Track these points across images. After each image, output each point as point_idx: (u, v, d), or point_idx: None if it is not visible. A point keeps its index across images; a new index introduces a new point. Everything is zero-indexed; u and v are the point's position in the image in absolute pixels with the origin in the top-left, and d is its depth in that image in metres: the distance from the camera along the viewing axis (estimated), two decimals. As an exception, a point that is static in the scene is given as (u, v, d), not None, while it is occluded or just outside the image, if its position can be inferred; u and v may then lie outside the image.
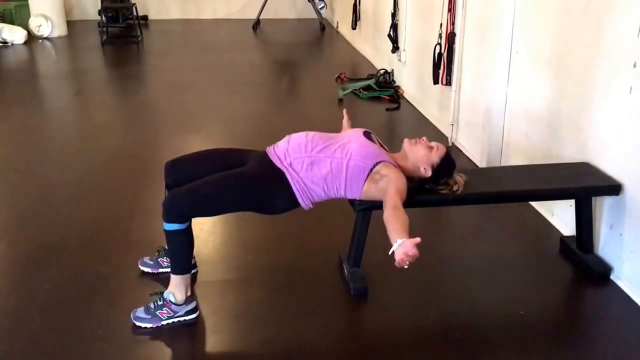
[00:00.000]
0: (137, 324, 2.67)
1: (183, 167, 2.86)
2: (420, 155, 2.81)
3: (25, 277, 3.05)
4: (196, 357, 2.61)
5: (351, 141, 2.77)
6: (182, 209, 2.60)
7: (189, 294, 2.71)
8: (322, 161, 2.70)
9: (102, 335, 2.62)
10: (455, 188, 2.85)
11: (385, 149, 2.90)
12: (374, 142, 2.83)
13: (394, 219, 2.39)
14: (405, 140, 2.88)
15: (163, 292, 2.69)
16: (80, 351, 2.54)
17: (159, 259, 3.05)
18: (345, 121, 3.16)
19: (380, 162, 2.69)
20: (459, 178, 2.88)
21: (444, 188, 2.86)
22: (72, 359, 2.50)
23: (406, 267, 2.19)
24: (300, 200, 2.72)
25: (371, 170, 2.67)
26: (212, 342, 2.68)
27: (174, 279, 2.68)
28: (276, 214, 2.83)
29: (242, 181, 2.70)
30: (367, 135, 2.85)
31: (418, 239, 2.20)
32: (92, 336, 2.61)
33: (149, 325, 2.66)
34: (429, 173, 2.81)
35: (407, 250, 2.17)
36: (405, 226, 2.34)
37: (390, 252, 2.24)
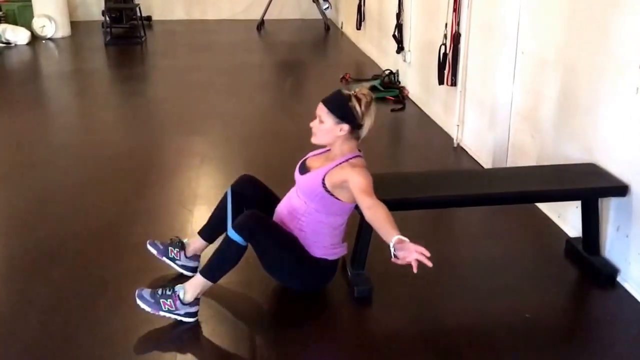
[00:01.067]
0: (138, 302, 2.65)
1: (256, 191, 2.97)
2: (323, 133, 2.67)
3: (24, 281, 3.03)
4: (198, 361, 2.59)
5: (297, 188, 2.79)
6: (252, 234, 2.63)
7: (198, 297, 2.69)
8: (301, 225, 2.74)
9: (100, 339, 2.60)
10: (365, 100, 2.63)
11: (325, 151, 2.82)
12: (306, 171, 2.77)
13: (375, 222, 2.40)
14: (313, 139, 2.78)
15: (176, 286, 2.67)
16: (78, 357, 2.51)
17: (169, 247, 3.01)
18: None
19: (322, 180, 2.65)
20: (354, 93, 2.66)
21: (360, 109, 2.61)
22: (72, 362, 2.48)
23: (426, 260, 2.17)
24: (333, 256, 2.78)
25: (327, 190, 2.65)
26: (213, 346, 2.64)
27: (197, 279, 2.66)
28: (328, 282, 2.90)
29: (303, 260, 2.77)
30: (301, 168, 2.82)
31: (404, 238, 2.22)
32: (91, 339, 2.59)
33: (147, 309, 2.64)
34: (345, 126, 2.63)
35: (407, 252, 2.18)
36: (389, 222, 2.33)
37: (393, 259, 2.23)
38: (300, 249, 2.75)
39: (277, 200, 2.97)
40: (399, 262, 2.20)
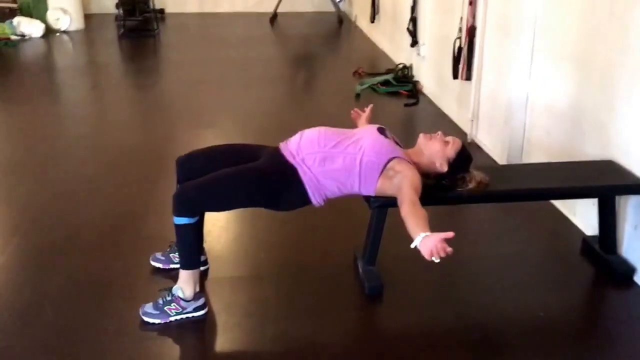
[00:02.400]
0: (146, 319, 2.64)
1: (194, 162, 2.81)
2: (436, 150, 2.75)
3: (37, 272, 3.03)
4: (207, 355, 2.57)
5: (364, 137, 2.72)
6: (192, 203, 2.58)
7: (197, 289, 2.68)
8: (335, 157, 2.65)
9: (113, 331, 2.60)
10: (471, 185, 2.78)
11: (399, 145, 2.84)
12: (388, 138, 2.78)
13: (413, 215, 2.35)
14: (421, 135, 2.84)
15: (172, 288, 2.66)
16: (91, 347, 2.51)
17: (170, 255, 3.01)
18: (365, 116, 3.09)
19: (394, 158, 2.64)
20: (476, 174, 2.81)
21: (460, 184, 2.79)
22: (82, 354, 2.47)
23: (437, 261, 2.17)
24: (312, 197, 2.67)
25: (385, 166, 2.62)
26: (224, 340, 2.64)
27: (183, 274, 2.65)
28: (286, 211, 2.79)
29: (254, 177, 2.65)
30: (380, 131, 2.80)
31: (451, 234, 2.17)
32: (103, 332, 2.59)
33: (157, 321, 2.63)
34: (445, 168, 2.75)
35: (436, 243, 2.16)
36: (426, 220, 2.32)
37: (413, 246, 2.22)
38: (246, 174, 2.64)
39: (226, 149, 2.90)
40: (426, 253, 2.19)
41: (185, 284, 2.64)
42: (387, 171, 2.62)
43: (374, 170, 2.63)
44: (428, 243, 2.17)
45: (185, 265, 2.65)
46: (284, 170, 2.66)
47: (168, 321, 2.64)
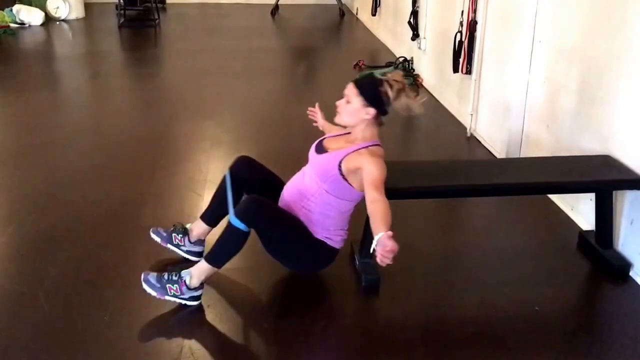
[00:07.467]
0: (144, 286, 2.65)
1: (254, 172, 2.93)
2: (349, 114, 2.66)
3: (33, 261, 3.03)
4: (202, 346, 2.56)
5: (310, 166, 2.76)
6: (257, 219, 2.61)
7: (202, 281, 2.69)
8: (312, 205, 2.70)
9: (107, 321, 2.60)
10: (395, 88, 2.59)
11: (345, 133, 2.79)
12: (325, 148, 2.76)
13: (371, 216, 2.36)
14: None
15: (182, 270, 2.67)
16: (85, 337, 2.51)
17: (172, 234, 3.01)
18: (321, 116, 3.11)
19: (339, 162, 2.62)
20: (390, 78, 2.62)
21: (390, 97, 2.59)
22: (77, 345, 2.47)
23: (390, 262, 2.15)
24: (335, 242, 2.76)
25: (342, 174, 2.62)
26: (219, 331, 2.63)
27: (203, 265, 2.66)
28: (321, 268, 2.89)
29: (303, 242, 2.75)
30: (318, 147, 2.79)
31: (390, 232, 2.17)
32: (97, 322, 2.59)
33: (153, 293, 2.64)
34: (372, 111, 2.61)
35: (382, 247, 2.15)
36: (383, 219, 2.29)
37: (371, 251, 2.21)
38: (302, 232, 2.71)
39: (276, 179, 2.95)
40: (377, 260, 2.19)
41: (197, 274, 2.65)
42: (347, 175, 2.61)
43: (338, 185, 2.64)
44: (377, 250, 2.17)
45: (211, 260, 2.66)
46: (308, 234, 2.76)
47: (163, 298, 2.64)
